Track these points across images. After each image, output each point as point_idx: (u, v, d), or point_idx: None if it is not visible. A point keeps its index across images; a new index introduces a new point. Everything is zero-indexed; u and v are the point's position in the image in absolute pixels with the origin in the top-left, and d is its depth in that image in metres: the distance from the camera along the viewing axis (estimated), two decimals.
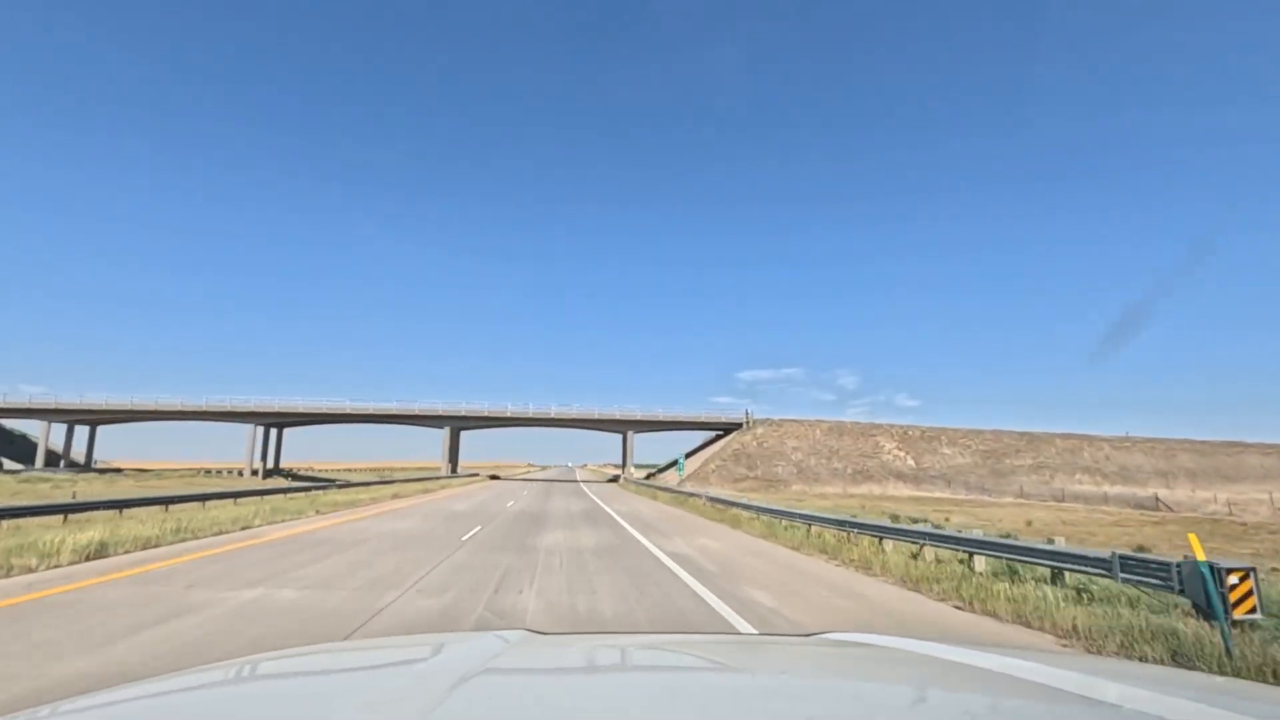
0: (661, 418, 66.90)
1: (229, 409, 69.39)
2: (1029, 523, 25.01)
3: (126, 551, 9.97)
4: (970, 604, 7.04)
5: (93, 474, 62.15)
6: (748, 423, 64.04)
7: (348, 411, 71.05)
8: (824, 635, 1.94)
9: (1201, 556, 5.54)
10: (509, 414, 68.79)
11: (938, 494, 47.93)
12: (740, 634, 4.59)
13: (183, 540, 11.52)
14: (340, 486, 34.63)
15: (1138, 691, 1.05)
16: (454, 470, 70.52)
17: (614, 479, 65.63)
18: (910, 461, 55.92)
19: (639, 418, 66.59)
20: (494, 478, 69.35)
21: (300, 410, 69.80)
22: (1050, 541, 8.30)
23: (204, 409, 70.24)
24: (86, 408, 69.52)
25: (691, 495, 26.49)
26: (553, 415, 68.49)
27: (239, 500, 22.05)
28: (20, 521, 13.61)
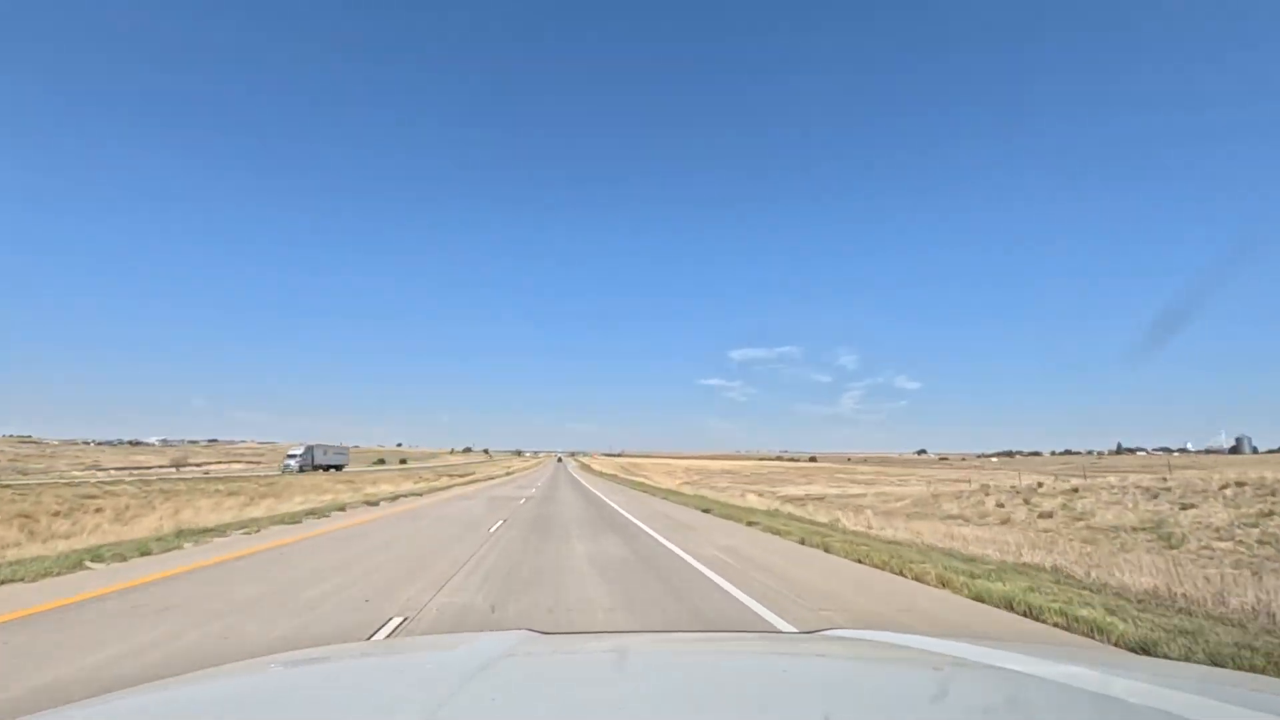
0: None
1: None
2: None
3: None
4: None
5: None
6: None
7: None
8: (830, 632, 1.89)
9: None
10: None
11: None
12: (744, 631, 4.60)
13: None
14: None
15: (1145, 686, 1.07)
16: None
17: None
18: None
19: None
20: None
21: None
22: None
23: None
24: None
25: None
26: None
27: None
28: None
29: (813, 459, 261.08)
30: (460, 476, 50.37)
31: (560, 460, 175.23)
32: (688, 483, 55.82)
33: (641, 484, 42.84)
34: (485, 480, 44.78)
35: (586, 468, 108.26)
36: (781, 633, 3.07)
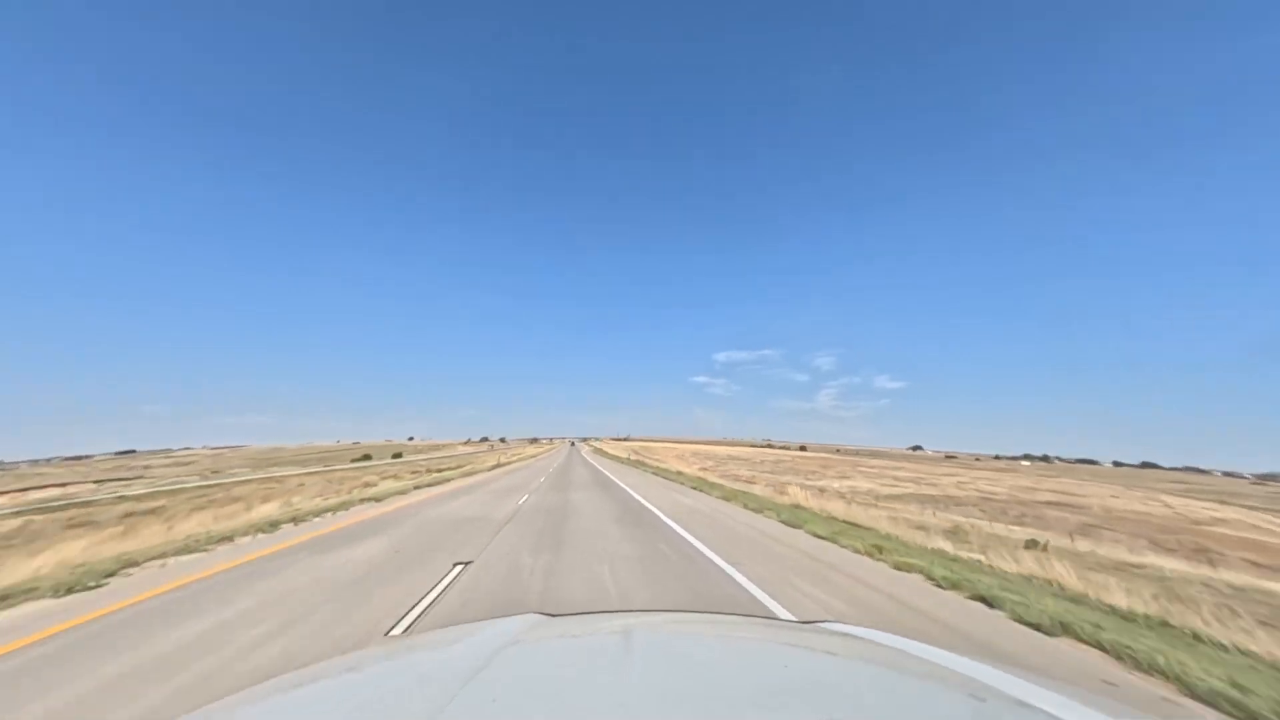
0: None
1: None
2: None
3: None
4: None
5: None
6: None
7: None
8: (829, 625, 1.95)
9: None
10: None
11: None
12: (747, 615, 4.13)
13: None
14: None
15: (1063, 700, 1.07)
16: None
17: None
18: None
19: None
20: None
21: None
22: None
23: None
24: None
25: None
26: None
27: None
28: None
29: (803, 447, 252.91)
30: (418, 473, 32.77)
31: (573, 444, 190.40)
32: (707, 469, 45.20)
33: (701, 482, 25.52)
34: (430, 490, 23.26)
35: (601, 452, 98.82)
36: (782, 621, 2.94)
